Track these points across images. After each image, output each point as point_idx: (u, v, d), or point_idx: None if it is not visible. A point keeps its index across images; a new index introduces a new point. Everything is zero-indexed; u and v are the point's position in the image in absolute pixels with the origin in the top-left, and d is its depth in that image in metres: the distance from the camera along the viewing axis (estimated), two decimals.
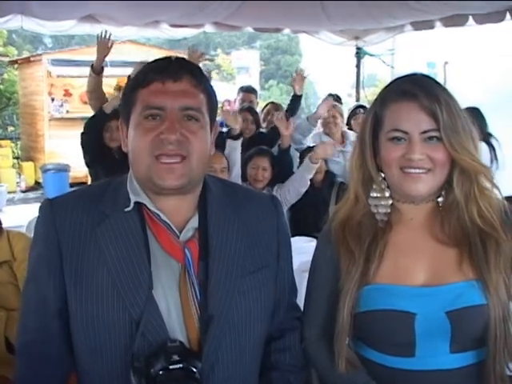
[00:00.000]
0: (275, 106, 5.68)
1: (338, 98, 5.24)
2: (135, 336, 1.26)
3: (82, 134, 4.31)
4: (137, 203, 1.33)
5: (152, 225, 1.32)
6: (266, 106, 5.78)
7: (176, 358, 1.21)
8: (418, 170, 1.34)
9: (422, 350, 1.35)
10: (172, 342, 1.24)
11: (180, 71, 1.30)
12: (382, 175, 1.42)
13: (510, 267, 1.37)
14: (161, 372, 1.20)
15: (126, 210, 1.32)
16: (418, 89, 1.34)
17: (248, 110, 5.14)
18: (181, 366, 1.21)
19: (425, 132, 1.33)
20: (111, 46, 4.60)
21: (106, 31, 4.62)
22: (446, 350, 1.35)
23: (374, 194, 1.43)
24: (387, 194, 1.42)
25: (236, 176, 3.96)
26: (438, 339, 1.34)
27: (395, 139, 1.36)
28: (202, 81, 1.32)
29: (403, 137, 1.35)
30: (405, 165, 1.35)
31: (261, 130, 5.14)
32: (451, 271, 1.36)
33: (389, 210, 1.43)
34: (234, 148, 4.08)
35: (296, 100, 5.24)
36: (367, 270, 1.38)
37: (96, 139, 4.24)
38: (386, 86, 1.44)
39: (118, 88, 10.73)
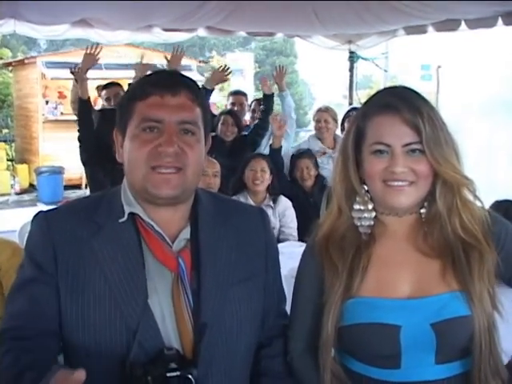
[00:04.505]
0: (259, 102, 5.66)
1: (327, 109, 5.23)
2: (132, 344, 1.27)
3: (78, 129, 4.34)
4: (131, 214, 1.35)
5: (145, 235, 1.35)
6: (253, 102, 5.77)
7: (173, 365, 1.23)
8: (400, 183, 1.34)
9: (408, 361, 1.34)
10: (169, 350, 1.26)
11: (178, 85, 1.33)
12: (365, 188, 1.41)
13: (493, 277, 1.37)
14: (158, 380, 1.21)
15: (121, 220, 1.34)
16: (400, 102, 1.34)
17: (228, 112, 5.08)
18: (178, 373, 1.23)
19: (407, 145, 1.33)
20: (97, 60, 4.63)
21: (97, 45, 4.66)
22: (431, 361, 1.34)
23: (358, 207, 1.43)
24: (370, 207, 1.42)
25: None
26: (423, 351, 1.34)
27: (378, 152, 1.36)
28: (198, 95, 1.36)
29: (386, 150, 1.35)
30: (388, 178, 1.35)
31: (243, 133, 5.06)
32: (435, 283, 1.36)
33: (372, 223, 1.43)
34: None
35: (266, 100, 5.07)
36: (351, 284, 1.37)
37: (92, 131, 4.20)
38: (369, 99, 1.44)
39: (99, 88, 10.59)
